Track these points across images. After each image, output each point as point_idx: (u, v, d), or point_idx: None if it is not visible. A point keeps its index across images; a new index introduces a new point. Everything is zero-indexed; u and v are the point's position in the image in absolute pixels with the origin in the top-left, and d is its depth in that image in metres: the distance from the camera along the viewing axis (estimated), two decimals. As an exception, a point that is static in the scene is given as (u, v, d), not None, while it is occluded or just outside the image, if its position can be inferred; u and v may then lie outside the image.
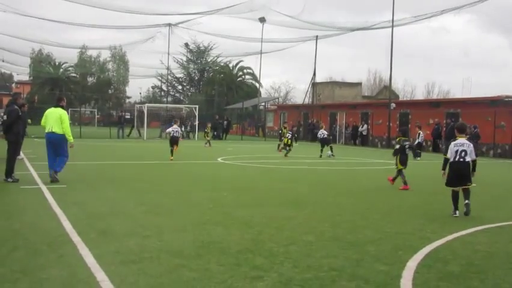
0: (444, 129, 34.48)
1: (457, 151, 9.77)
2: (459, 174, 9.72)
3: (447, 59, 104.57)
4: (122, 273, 5.38)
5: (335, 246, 6.89)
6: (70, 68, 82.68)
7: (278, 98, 79.19)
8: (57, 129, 12.47)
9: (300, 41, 55.44)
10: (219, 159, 22.05)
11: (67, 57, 76.96)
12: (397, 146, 13.89)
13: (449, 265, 6.18)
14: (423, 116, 36.17)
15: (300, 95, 69.30)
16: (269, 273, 5.57)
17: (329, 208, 10.10)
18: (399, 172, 13.74)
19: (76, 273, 5.37)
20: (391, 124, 38.55)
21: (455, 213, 9.61)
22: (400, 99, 66.88)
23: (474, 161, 9.99)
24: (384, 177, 15.85)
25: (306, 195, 11.84)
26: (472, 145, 10.04)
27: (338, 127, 45.06)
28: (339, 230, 7.94)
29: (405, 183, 13.50)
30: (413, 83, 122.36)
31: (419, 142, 26.99)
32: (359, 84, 67.95)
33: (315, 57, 52.14)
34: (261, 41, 52.28)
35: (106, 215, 8.59)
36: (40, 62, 79.54)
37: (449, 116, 35.18)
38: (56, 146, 12.57)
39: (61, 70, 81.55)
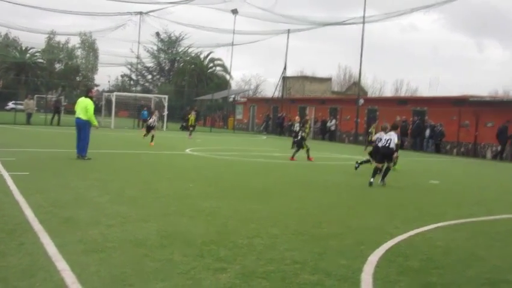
0: (411, 126, 35.05)
1: (386, 139, 13.78)
2: (384, 154, 13.78)
3: (416, 56, 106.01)
4: (84, 263, 5.32)
5: (298, 240, 6.95)
6: (37, 54, 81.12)
7: (248, 91, 79.13)
8: (82, 116, 15.20)
9: (271, 34, 55.52)
10: (187, 150, 21.96)
11: (34, 42, 75.74)
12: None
13: (410, 260, 6.30)
14: (391, 113, 36.61)
15: (270, 88, 69.40)
16: (232, 265, 5.59)
17: (294, 202, 10.17)
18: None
19: (36, 261, 5.30)
20: (359, 120, 38.95)
21: (371, 180, 13.28)
22: (369, 95, 67.55)
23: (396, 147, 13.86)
24: (350, 172, 16.05)
25: (273, 189, 11.89)
26: (396, 136, 13.85)
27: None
28: (304, 224, 8.00)
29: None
30: (382, 79, 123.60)
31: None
32: (329, 79, 68.31)
33: (286, 51, 52.30)
34: (233, 33, 52.21)
35: (69, 203, 8.48)
36: (6, 46, 77.79)
37: (416, 114, 35.77)
38: (81, 129, 15.23)
39: (28, 55, 79.94)
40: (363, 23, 39.48)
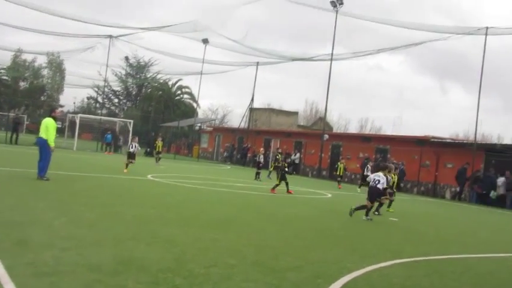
0: (372, 164, 35.51)
1: (374, 179, 14.36)
2: (371, 193, 14.31)
3: (381, 96, 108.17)
4: (33, 286, 5.17)
5: (255, 271, 6.90)
6: (2, 71, 79.74)
7: (215, 120, 79.23)
8: (44, 135, 15.13)
9: (241, 66, 55.93)
10: (149, 176, 21.74)
11: (-1, 59, 74.21)
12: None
13: (365, 295, 6.31)
14: (355, 149, 37.15)
15: (237, 118, 69.64)
16: (187, 293, 5.50)
17: (254, 233, 10.12)
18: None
19: (-17, 282, 5.11)
20: (323, 155, 39.33)
21: (352, 209, 14.22)
22: (334, 131, 68.42)
23: (385, 189, 14.51)
24: (311, 206, 16.09)
25: (233, 219, 11.83)
26: (383, 177, 14.31)
27: (271, 153, 45.46)
28: (262, 255, 7.96)
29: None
30: (348, 116, 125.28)
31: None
32: (295, 113, 69.08)
33: (255, 83, 52.71)
34: (202, 62, 52.41)
35: (24, 224, 8.25)
36: (-31, 61, 76.33)
37: (379, 152, 36.34)
38: (42, 148, 15.13)
39: (-9, 72, 78.53)
40: (331, 60, 40.23)
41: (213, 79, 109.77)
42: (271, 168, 30.71)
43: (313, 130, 60.35)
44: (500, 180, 28.09)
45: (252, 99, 53.81)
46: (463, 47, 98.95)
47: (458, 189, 30.54)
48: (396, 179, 27.98)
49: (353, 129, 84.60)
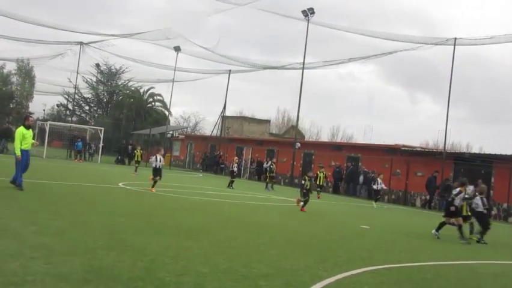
0: (344, 171, 35.82)
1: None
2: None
3: (353, 104, 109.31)
4: (1, 296, 5.05)
5: (228, 279, 6.87)
6: (-30, 77, 78.13)
7: (187, 128, 78.87)
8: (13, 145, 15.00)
9: (213, 74, 55.87)
10: (120, 184, 21.51)
11: (-35, 65, 72.74)
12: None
13: (337, 303, 6.33)
14: (327, 157, 37.37)
15: (209, 126, 69.52)
16: (158, 302, 5.44)
17: (226, 241, 10.08)
18: None
19: None
20: (295, 163, 39.46)
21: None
22: (306, 139, 68.75)
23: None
24: (283, 213, 16.11)
25: (205, 227, 11.76)
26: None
27: (243, 162, 45.48)
28: (234, 263, 7.93)
29: None
30: (320, 124, 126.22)
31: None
32: (267, 121, 69.27)
33: (227, 91, 52.71)
34: (174, 70, 52.20)
35: (-10, 233, 8.07)
36: None
37: (350, 160, 36.65)
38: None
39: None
40: (303, 68, 40.52)
41: (185, 87, 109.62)
42: (267, 180, 30.76)
43: (285, 138, 60.58)
44: (469, 188, 28.47)
45: (224, 107, 53.79)
46: (432, 57, 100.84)
47: (428, 197, 30.94)
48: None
49: (324, 137, 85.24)
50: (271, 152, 44.02)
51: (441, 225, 15.14)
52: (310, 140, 75.53)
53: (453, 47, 32.28)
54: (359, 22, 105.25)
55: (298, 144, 39.77)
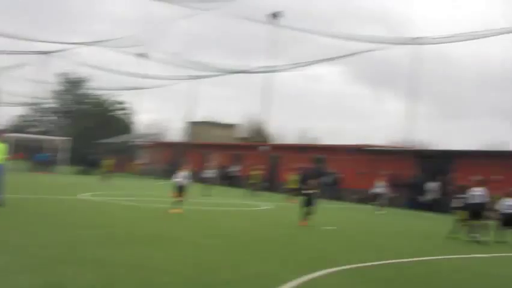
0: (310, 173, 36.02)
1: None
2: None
3: (319, 106, 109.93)
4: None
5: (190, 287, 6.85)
6: None
7: (153, 135, 78.22)
8: None
9: (179, 80, 55.63)
10: (83, 195, 21.20)
11: None
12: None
13: (298, 306, 6.37)
14: (293, 160, 37.53)
15: (176, 133, 69.14)
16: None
17: (190, 248, 10.05)
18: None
19: None
20: (262, 166, 39.50)
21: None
22: (273, 142, 68.89)
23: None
24: (249, 218, 16.13)
25: (168, 234, 11.69)
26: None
27: (210, 167, 45.30)
28: (198, 271, 7.90)
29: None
30: (287, 127, 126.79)
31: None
32: (234, 125, 69.25)
33: (193, 96, 52.53)
34: (140, 77, 51.87)
35: None
36: None
37: (316, 161, 36.85)
38: None
39: None
40: (270, 71, 40.77)
41: (152, 93, 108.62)
42: (249, 187, 31.07)
43: (252, 142, 60.66)
44: (431, 185, 29.10)
45: (191, 113, 53.62)
46: (399, 56, 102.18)
47: (392, 195, 31.36)
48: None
49: (292, 139, 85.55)
50: (238, 156, 44.02)
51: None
52: (277, 143, 75.75)
53: (418, 46, 32.97)
54: (327, 23, 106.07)
55: (264, 148, 39.86)
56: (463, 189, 15.70)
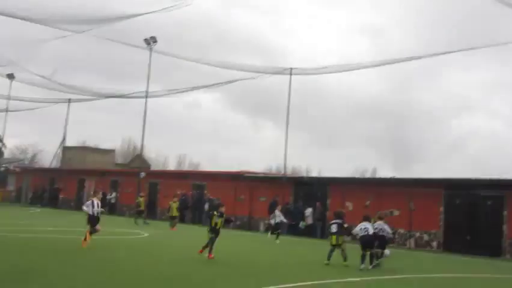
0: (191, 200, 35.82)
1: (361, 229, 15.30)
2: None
3: (199, 132, 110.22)
4: None
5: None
6: None
7: (23, 160, 73.86)
8: None
9: (51, 103, 53.06)
10: None
11: None
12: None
13: None
14: (173, 186, 37.08)
15: (48, 158, 65.74)
16: None
17: (61, 281, 9.44)
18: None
19: None
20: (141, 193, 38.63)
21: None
22: (152, 168, 67.77)
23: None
24: (125, 246, 15.59)
25: (37, 267, 10.93)
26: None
27: (85, 194, 43.53)
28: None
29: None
30: (166, 153, 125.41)
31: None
32: (112, 151, 67.30)
33: (67, 120, 50.38)
34: (8, 99, 48.91)
35: None
36: None
37: (196, 188, 36.82)
38: None
39: None
40: (146, 97, 40.16)
41: (21, 116, 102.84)
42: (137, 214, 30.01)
43: (130, 168, 59.22)
44: (308, 210, 30.03)
45: (64, 138, 51.35)
46: (273, 85, 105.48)
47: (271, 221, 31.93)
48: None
49: (171, 165, 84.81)
50: (115, 182, 42.72)
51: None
52: (156, 169, 74.66)
53: (289, 76, 34.13)
54: (205, 50, 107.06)
55: (143, 174, 39.05)
56: (336, 215, 16.33)
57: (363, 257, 14.95)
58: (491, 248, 23.96)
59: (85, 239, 15.62)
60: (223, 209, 15.93)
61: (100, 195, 17.50)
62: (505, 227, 24.17)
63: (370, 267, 14.85)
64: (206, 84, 39.86)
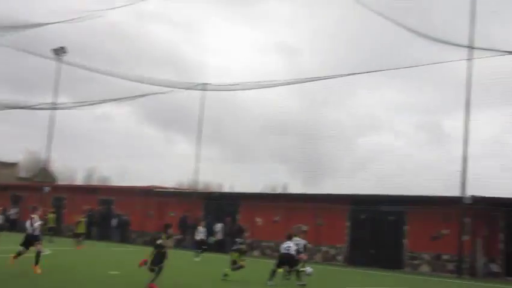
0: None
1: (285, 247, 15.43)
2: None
3: (109, 146, 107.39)
4: None
5: None
6: None
7: None
8: None
9: None
10: None
11: None
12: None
13: None
14: (79, 201, 35.87)
15: None
16: None
17: None
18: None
19: None
20: (46, 209, 37.02)
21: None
22: (59, 183, 65.20)
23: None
24: (23, 264, 14.86)
25: None
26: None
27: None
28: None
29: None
30: (74, 167, 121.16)
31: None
32: (15, 164, 64.23)
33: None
34: None
35: None
36: None
37: (103, 203, 35.85)
38: None
39: None
40: (53, 108, 38.82)
41: None
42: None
43: (34, 182, 56.70)
44: (218, 226, 29.99)
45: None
46: (186, 99, 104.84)
47: (180, 236, 31.61)
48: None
49: (79, 179, 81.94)
50: (17, 197, 40.67)
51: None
52: (63, 183, 71.91)
53: (202, 91, 34.15)
54: (117, 63, 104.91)
55: (47, 189, 37.50)
56: (241, 231, 16.52)
57: (272, 273, 15.02)
58: (393, 262, 25.01)
59: (15, 257, 14.81)
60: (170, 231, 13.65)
61: (39, 212, 15.94)
62: (405, 241, 25.31)
63: (298, 283, 14.97)
64: (117, 97, 38.81)
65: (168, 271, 12.67)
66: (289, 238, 16.00)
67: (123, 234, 33.18)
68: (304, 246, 17.67)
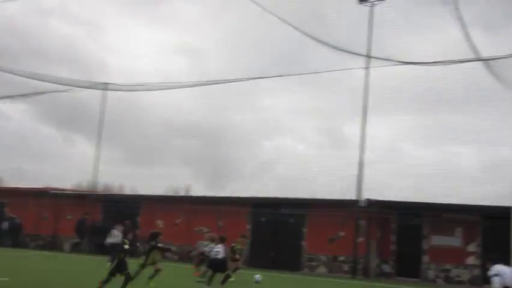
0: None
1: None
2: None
3: (1, 145, 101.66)
4: None
5: None
6: None
7: None
8: None
9: None
10: None
11: None
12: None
13: None
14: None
15: None
16: None
17: None
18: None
19: None
20: None
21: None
22: None
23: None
24: None
25: None
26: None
27: None
28: None
29: None
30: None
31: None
32: None
33: None
34: None
35: None
36: None
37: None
38: None
39: None
40: None
41: None
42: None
43: None
44: (118, 229, 29.16)
45: None
46: (87, 99, 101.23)
47: (77, 240, 30.55)
48: None
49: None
50: None
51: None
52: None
53: (104, 91, 33.21)
54: (13, 60, 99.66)
55: None
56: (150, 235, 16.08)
57: (210, 279, 15.16)
58: (292, 264, 25.55)
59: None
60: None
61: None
62: (304, 243, 25.94)
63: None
64: (10, 94, 36.60)
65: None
66: (223, 241, 15.69)
67: (15, 239, 31.50)
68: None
